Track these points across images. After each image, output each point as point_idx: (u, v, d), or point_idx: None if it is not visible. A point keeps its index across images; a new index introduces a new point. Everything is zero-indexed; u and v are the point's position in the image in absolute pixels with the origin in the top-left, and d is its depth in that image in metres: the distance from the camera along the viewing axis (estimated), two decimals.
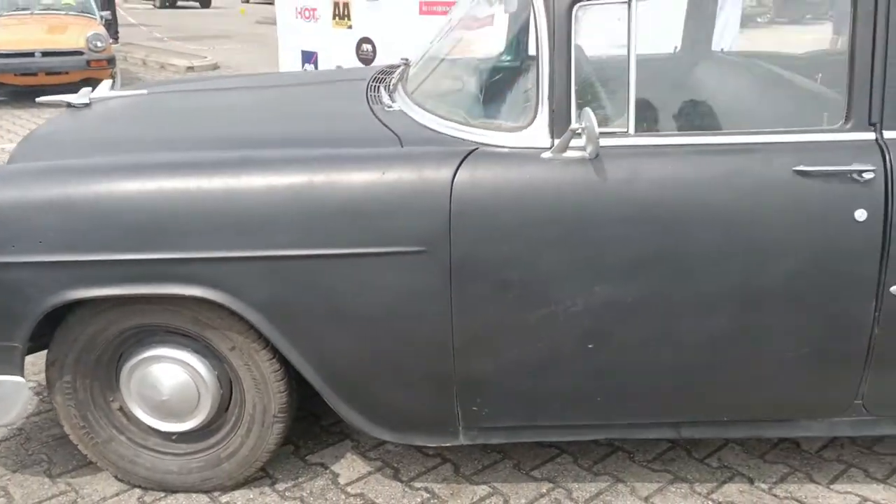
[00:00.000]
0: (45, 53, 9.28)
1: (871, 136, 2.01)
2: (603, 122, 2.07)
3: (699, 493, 2.38)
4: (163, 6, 26.54)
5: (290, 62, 8.38)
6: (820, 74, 2.32)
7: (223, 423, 2.35)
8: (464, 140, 2.12)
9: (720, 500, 2.35)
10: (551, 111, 2.04)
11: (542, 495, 2.37)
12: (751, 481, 2.44)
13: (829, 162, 1.99)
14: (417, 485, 2.42)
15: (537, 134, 2.06)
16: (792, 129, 2.05)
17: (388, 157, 2.07)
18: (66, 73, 9.40)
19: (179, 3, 26.91)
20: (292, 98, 2.78)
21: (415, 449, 2.59)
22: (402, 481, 2.44)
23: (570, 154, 2.02)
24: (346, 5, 7.51)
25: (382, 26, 6.99)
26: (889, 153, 1.99)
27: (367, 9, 7.16)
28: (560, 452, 2.58)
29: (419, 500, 2.35)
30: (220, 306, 2.09)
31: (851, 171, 1.98)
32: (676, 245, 2.02)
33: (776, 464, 2.52)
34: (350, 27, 7.42)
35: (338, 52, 7.50)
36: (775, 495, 2.37)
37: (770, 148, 2.03)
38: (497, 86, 2.28)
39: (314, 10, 7.89)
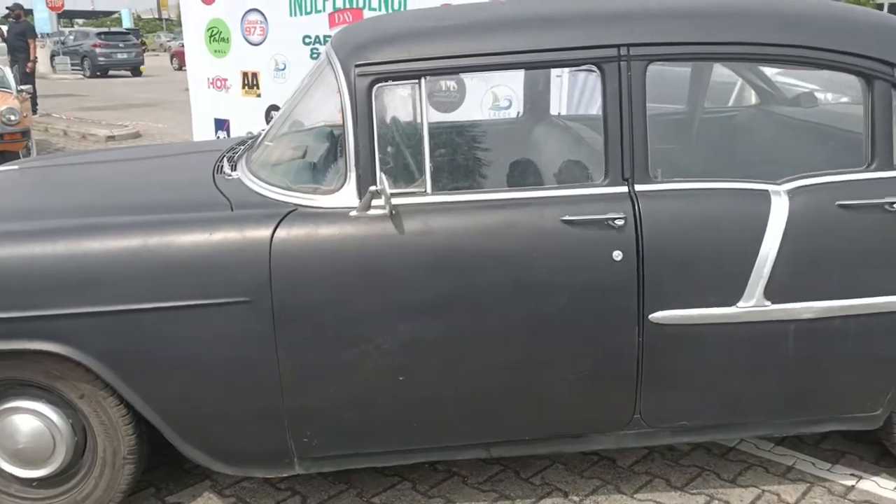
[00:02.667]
0: None
1: (624, 189, 2.39)
2: (405, 182, 2.42)
3: None
4: (93, 76, 26.71)
5: (203, 129, 8.69)
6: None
7: (80, 467, 2.56)
8: (286, 203, 2.43)
9: None
10: (357, 176, 2.37)
11: None
12: (566, 495, 2.75)
13: (590, 212, 2.36)
14: None
15: (346, 196, 2.38)
16: (560, 185, 2.42)
17: (216, 219, 2.37)
18: None
19: (111, 73, 27.11)
20: (149, 169, 3.09)
21: (268, 484, 2.83)
22: None
23: (373, 212, 2.35)
24: (254, 75, 7.88)
25: (288, 94, 7.35)
26: (638, 203, 2.37)
27: (273, 79, 7.55)
28: (401, 480, 2.85)
29: None
30: (67, 359, 2.33)
31: (608, 219, 2.34)
32: (467, 287, 2.35)
33: (592, 479, 2.84)
34: (259, 96, 7.77)
35: (248, 120, 7.84)
36: None
37: (542, 201, 2.39)
38: (316, 155, 2.61)
39: (225, 80, 8.24)
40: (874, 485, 2.78)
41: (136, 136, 12.63)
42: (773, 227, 2.36)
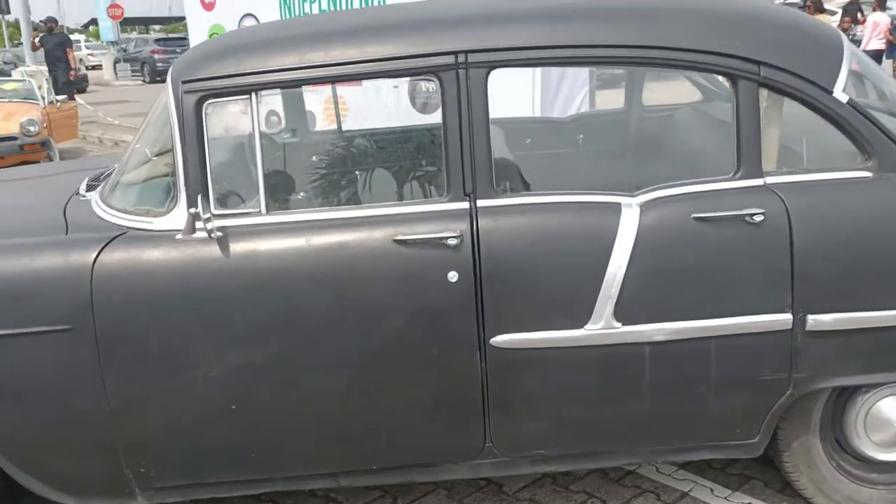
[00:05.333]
0: None
1: (464, 205, 2.25)
2: (240, 203, 2.33)
3: None
4: (152, 81, 27.22)
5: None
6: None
7: None
8: (119, 226, 2.36)
9: None
10: (187, 197, 2.28)
11: None
12: None
13: (423, 231, 2.22)
14: None
15: (176, 218, 2.30)
16: (398, 203, 2.29)
17: (42, 245, 2.31)
18: (2, 157, 9.76)
19: None
20: (21, 190, 3.06)
21: None
22: None
23: (200, 234, 2.26)
24: None
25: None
26: (477, 220, 2.22)
27: None
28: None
29: None
30: None
31: (441, 238, 2.20)
32: (295, 312, 2.24)
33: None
34: None
35: None
36: None
37: (375, 220, 2.26)
38: (155, 176, 2.53)
39: None
40: None
41: None
42: (622, 244, 2.19)
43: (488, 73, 2.24)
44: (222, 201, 2.33)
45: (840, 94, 2.23)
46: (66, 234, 2.39)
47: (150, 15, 55.72)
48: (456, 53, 2.23)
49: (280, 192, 2.44)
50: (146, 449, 2.36)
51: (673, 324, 2.23)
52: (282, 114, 3.64)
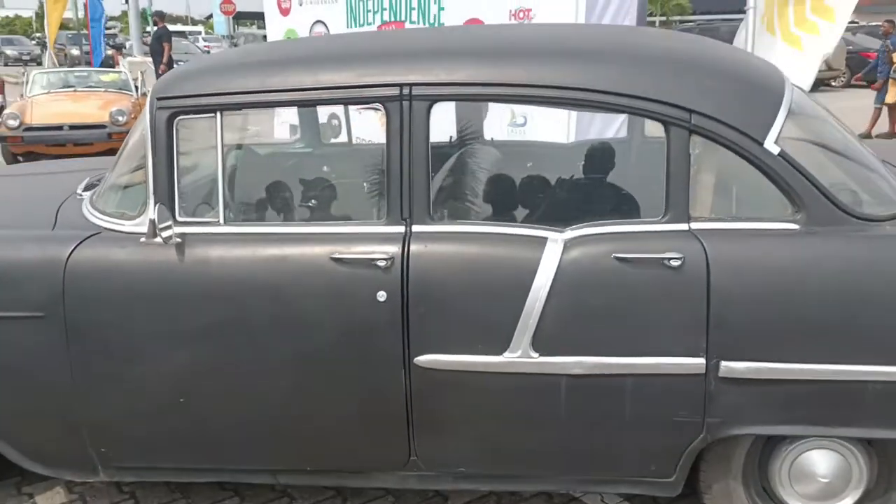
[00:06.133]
0: (73, 127, 10.32)
1: (400, 229, 2.38)
2: (202, 212, 2.54)
3: None
4: None
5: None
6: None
7: None
8: (97, 226, 2.60)
9: None
10: (156, 204, 2.50)
11: None
12: None
13: (358, 251, 2.36)
14: None
15: (145, 222, 2.52)
16: (338, 222, 2.44)
17: (25, 238, 2.57)
18: (91, 144, 10.41)
19: None
20: (32, 185, 3.36)
21: (112, 485, 3.02)
22: None
23: (161, 239, 2.47)
24: None
25: None
26: (409, 243, 2.35)
27: None
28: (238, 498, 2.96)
29: None
30: None
31: (374, 259, 2.34)
32: (238, 317, 2.42)
33: None
34: None
35: None
36: None
37: (316, 237, 2.42)
38: (133, 183, 2.75)
39: None
40: None
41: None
42: (542, 277, 2.28)
43: (431, 105, 2.36)
44: (188, 210, 2.53)
45: (771, 145, 2.25)
46: (53, 229, 2.65)
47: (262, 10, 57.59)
48: (401, 86, 2.36)
49: (239, 205, 2.64)
50: (106, 431, 2.59)
51: (589, 358, 2.30)
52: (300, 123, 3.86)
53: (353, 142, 3.96)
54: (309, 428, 2.50)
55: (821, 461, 2.40)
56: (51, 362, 2.52)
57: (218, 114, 2.48)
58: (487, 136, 3.79)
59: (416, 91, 2.36)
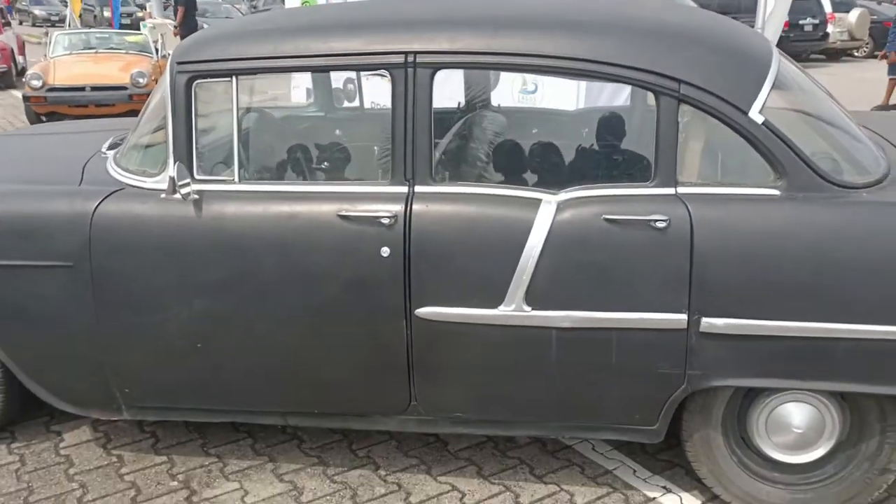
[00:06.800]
0: (94, 88, 10.48)
1: (403, 189, 2.53)
2: (218, 171, 2.70)
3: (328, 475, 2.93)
4: None
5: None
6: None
7: None
8: (121, 182, 2.77)
9: (342, 480, 2.89)
10: (175, 162, 2.66)
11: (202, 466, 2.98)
12: (377, 468, 2.95)
13: (363, 209, 2.52)
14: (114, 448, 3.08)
15: (165, 179, 2.68)
16: (345, 181, 2.59)
17: (54, 193, 2.75)
18: (113, 105, 10.59)
19: None
20: (61, 144, 3.53)
21: (134, 425, 3.23)
22: (105, 448, 3.10)
23: (181, 195, 2.64)
24: None
25: None
26: (411, 203, 2.50)
27: None
28: (251, 439, 3.16)
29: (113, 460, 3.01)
30: None
31: (377, 217, 2.50)
32: (251, 270, 2.59)
33: (412, 458, 3.02)
34: None
35: None
36: (385, 480, 2.89)
37: (324, 196, 2.58)
38: (155, 143, 2.91)
39: None
40: (675, 500, 2.77)
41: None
42: (536, 236, 2.42)
43: (434, 73, 2.50)
44: (205, 168, 2.70)
45: (756, 115, 2.37)
46: (79, 185, 2.82)
47: None
48: (406, 53, 2.50)
49: (253, 164, 2.79)
50: (129, 373, 2.78)
51: (579, 313, 2.45)
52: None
53: (367, 106, 4.10)
54: (316, 374, 2.68)
55: (796, 413, 2.55)
56: (78, 309, 2.71)
57: (234, 78, 2.63)
58: (495, 102, 3.91)
59: (419, 59, 2.50)
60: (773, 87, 2.44)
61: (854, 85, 13.84)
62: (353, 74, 3.91)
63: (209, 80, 2.65)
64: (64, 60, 11.17)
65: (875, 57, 15.88)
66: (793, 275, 2.34)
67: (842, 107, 2.77)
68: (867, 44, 19.66)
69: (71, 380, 2.85)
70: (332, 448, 3.10)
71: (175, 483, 2.89)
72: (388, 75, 2.54)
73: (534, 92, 6.47)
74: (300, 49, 2.60)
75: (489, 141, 3.08)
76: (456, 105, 3.59)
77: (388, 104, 2.55)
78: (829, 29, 18.88)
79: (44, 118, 10.26)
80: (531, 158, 2.95)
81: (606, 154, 2.91)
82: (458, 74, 3.65)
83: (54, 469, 2.97)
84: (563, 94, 5.98)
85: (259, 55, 2.62)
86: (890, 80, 11.36)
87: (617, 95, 5.88)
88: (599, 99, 5.86)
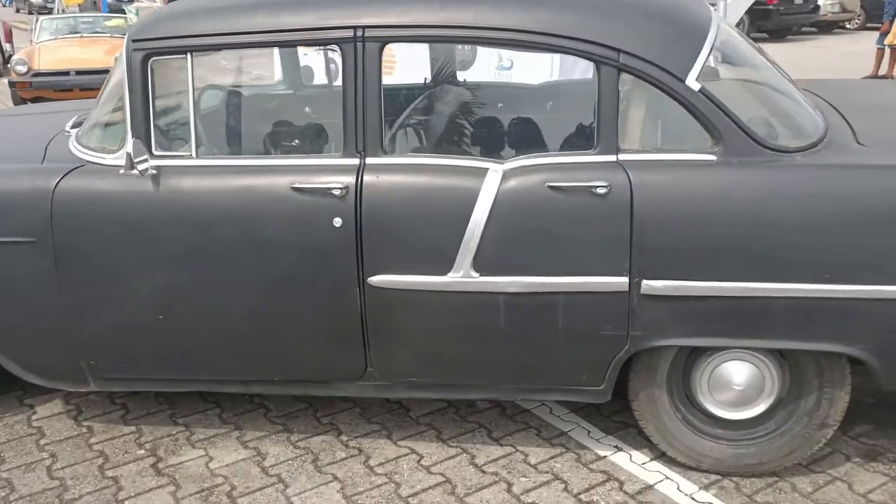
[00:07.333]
0: (79, 72, 10.51)
1: (354, 161, 2.60)
2: (176, 146, 2.77)
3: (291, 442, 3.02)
4: None
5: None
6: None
7: None
8: (81, 159, 2.84)
9: (304, 445, 2.98)
10: (133, 139, 2.73)
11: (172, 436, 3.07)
12: (339, 433, 3.05)
13: (316, 181, 2.59)
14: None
15: (124, 155, 2.75)
16: (298, 154, 2.66)
17: (18, 171, 2.82)
18: (97, 88, 10.53)
19: None
20: (33, 123, 3.59)
21: (105, 397, 3.32)
22: (77, 420, 3.19)
23: (138, 170, 2.70)
24: None
25: None
26: (362, 174, 2.57)
27: None
28: (219, 409, 3.25)
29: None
30: None
31: (331, 188, 2.57)
32: (209, 243, 2.67)
33: (374, 424, 3.11)
34: None
35: None
36: (346, 445, 2.98)
37: (278, 169, 2.65)
38: (114, 120, 2.97)
39: None
40: (626, 458, 2.87)
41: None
42: (482, 204, 2.50)
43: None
44: (164, 144, 2.76)
45: (693, 82, 2.43)
46: (42, 163, 2.89)
47: None
48: (355, 28, 2.56)
49: (210, 139, 2.86)
50: (94, 345, 2.86)
51: (525, 278, 2.53)
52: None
53: (335, 83, 4.15)
54: (275, 342, 2.76)
55: (737, 371, 2.64)
56: (43, 282, 2.78)
57: (189, 55, 2.69)
58: (471, 78, 3.97)
59: (368, 33, 2.56)
60: (712, 54, 2.50)
61: (846, 57, 13.88)
62: (334, 55, 3.95)
63: (164, 57, 2.71)
64: (49, 45, 11.19)
65: (868, 29, 15.87)
66: (728, 237, 2.41)
67: (783, 73, 2.84)
68: (859, 16, 19.64)
69: (38, 353, 2.93)
70: (298, 416, 3.19)
71: (142, 451, 2.98)
72: (338, 50, 2.60)
73: (510, 68, 6.52)
74: (252, 25, 2.66)
75: (447, 114, 3.15)
76: (423, 80, 3.66)
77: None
78: (820, 1, 18.86)
79: (29, 103, 10.29)
80: (483, 130, 3.02)
81: (554, 124, 2.98)
82: (424, 51, 3.73)
83: (26, 440, 3.06)
84: (538, 70, 6.05)
85: (214, 31, 2.67)
86: (878, 49, 11.40)
87: (590, 68, 5.95)
88: (574, 72, 5.92)
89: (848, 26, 20.55)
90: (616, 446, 2.94)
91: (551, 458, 2.88)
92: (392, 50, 4.48)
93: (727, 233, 2.42)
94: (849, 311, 2.41)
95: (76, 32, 11.97)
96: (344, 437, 3.03)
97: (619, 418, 3.11)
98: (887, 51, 11.30)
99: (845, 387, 2.58)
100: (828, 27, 20.31)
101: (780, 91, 2.71)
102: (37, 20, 12.42)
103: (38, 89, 10.34)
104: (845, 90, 3.64)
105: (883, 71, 11.32)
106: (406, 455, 2.92)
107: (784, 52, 16.24)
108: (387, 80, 2.62)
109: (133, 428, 3.13)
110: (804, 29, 19.70)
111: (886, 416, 3.08)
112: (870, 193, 2.36)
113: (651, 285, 2.47)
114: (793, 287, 2.41)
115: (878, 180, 2.39)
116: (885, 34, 11.33)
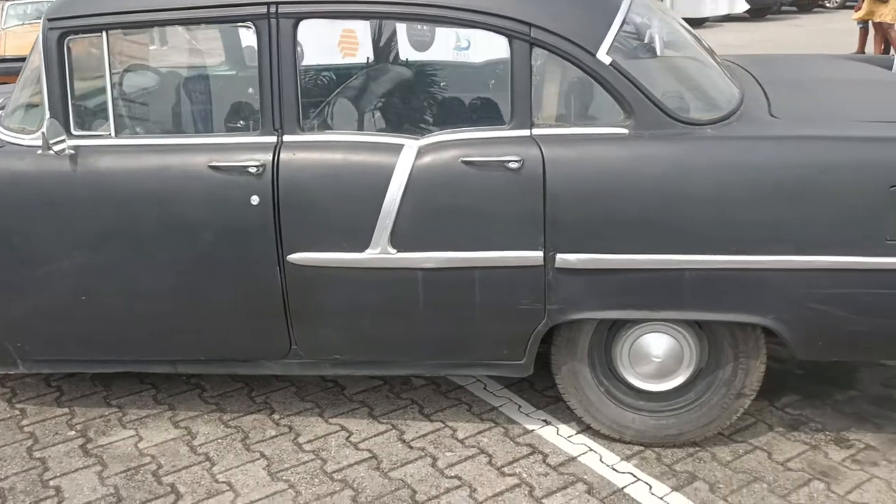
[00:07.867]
0: None
1: (272, 139, 2.59)
2: (96, 126, 2.75)
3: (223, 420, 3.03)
4: None
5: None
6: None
7: None
8: (2, 140, 2.82)
9: (236, 424, 2.99)
10: (49, 119, 2.70)
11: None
12: (272, 412, 3.06)
13: (232, 159, 2.58)
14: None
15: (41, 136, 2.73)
16: (215, 133, 2.65)
17: None
18: None
19: None
20: None
21: (41, 380, 3.31)
22: (10, 402, 3.19)
23: (56, 150, 2.68)
24: None
25: None
26: (279, 152, 2.56)
27: None
28: (154, 390, 3.26)
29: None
30: None
31: (247, 166, 2.56)
32: (128, 220, 2.66)
33: (308, 402, 3.12)
34: None
35: None
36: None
37: (195, 147, 2.64)
38: (34, 101, 2.94)
39: None
40: (552, 431, 2.89)
41: None
42: (397, 180, 2.50)
43: (297, 23, 2.55)
44: (82, 124, 2.74)
45: (604, 56, 2.43)
46: None
47: None
48: (268, 4, 2.55)
49: (129, 119, 2.84)
50: (18, 327, 2.85)
51: (441, 253, 2.53)
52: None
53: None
54: (198, 322, 2.76)
55: (656, 343, 2.66)
56: None
57: (104, 33, 2.67)
58: (428, 58, 3.95)
59: (282, 10, 2.54)
60: (624, 27, 2.50)
61: (826, 36, 13.90)
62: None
63: (80, 35, 2.69)
64: (16, 31, 11.07)
65: (847, 8, 15.84)
66: (640, 210, 2.43)
67: (703, 45, 2.85)
68: None
69: None
70: (232, 396, 3.20)
71: (72, 432, 2.98)
72: (253, 27, 2.58)
73: (467, 48, 6.51)
74: (167, 2, 2.64)
75: (367, 93, 3.14)
76: (365, 60, 3.65)
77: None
78: None
79: None
80: (401, 108, 3.02)
81: (472, 100, 2.98)
82: (365, 29, 3.71)
83: None
84: (494, 50, 6.04)
85: (129, 9, 2.65)
86: (861, 29, 11.40)
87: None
88: None
89: (828, 5, 20.58)
90: (545, 420, 2.96)
91: (479, 432, 2.91)
92: (355, 32, 4.51)
93: (637, 205, 2.43)
94: (759, 281, 2.43)
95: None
96: (276, 416, 3.05)
97: (551, 393, 3.12)
98: (871, 28, 11.30)
99: (760, 357, 2.61)
100: (808, 6, 20.34)
101: (698, 65, 2.72)
102: (3, 6, 12.25)
103: (4, 75, 10.12)
104: (783, 65, 3.66)
105: (869, 51, 11.32)
106: (336, 432, 2.94)
107: (764, 31, 16.29)
108: (346, 60, 2.61)
109: (66, 410, 3.13)
110: (784, 8, 19.72)
111: (814, 388, 3.12)
112: (776, 165, 2.37)
113: (565, 259, 2.48)
114: (703, 259, 2.43)
115: (782, 151, 2.40)
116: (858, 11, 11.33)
